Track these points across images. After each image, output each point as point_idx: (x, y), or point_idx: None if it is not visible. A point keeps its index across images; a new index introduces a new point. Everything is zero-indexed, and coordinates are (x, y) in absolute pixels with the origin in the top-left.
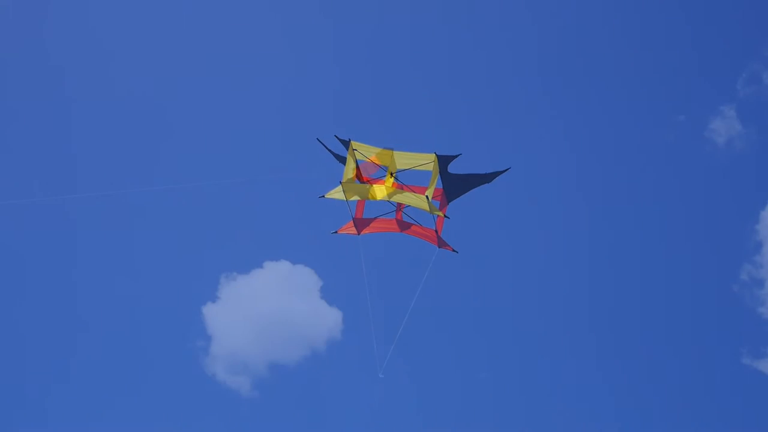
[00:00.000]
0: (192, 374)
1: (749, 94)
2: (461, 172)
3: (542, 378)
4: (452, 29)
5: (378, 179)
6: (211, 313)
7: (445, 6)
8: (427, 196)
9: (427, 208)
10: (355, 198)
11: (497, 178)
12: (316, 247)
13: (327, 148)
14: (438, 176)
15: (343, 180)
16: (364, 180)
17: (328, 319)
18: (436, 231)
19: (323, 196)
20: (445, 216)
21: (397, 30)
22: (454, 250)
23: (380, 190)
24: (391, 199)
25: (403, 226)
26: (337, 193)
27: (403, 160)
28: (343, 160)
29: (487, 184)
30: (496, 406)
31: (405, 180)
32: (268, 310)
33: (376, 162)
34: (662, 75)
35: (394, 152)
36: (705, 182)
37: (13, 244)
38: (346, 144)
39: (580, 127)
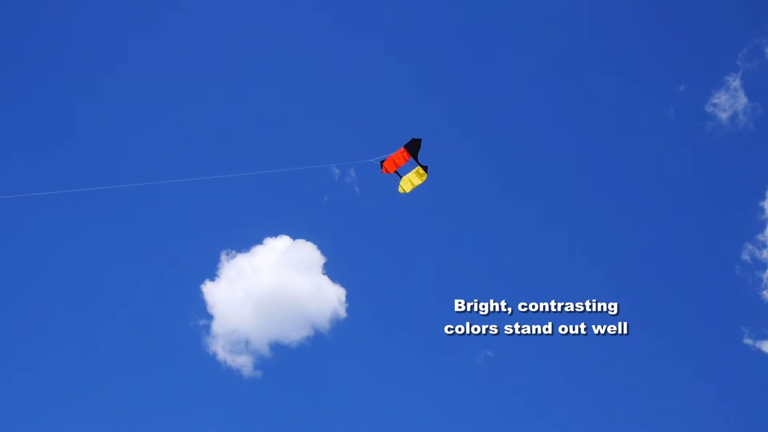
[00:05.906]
0: (193, 354)
1: (751, 69)
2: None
3: (543, 377)
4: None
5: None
6: (212, 291)
7: None
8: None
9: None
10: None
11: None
12: (316, 221)
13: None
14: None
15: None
16: (392, 171)
17: (331, 297)
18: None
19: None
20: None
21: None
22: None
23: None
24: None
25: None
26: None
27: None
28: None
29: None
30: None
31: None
32: (269, 288)
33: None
34: (661, 47)
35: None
36: (708, 158)
37: (20, 234)
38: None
39: (573, 100)
